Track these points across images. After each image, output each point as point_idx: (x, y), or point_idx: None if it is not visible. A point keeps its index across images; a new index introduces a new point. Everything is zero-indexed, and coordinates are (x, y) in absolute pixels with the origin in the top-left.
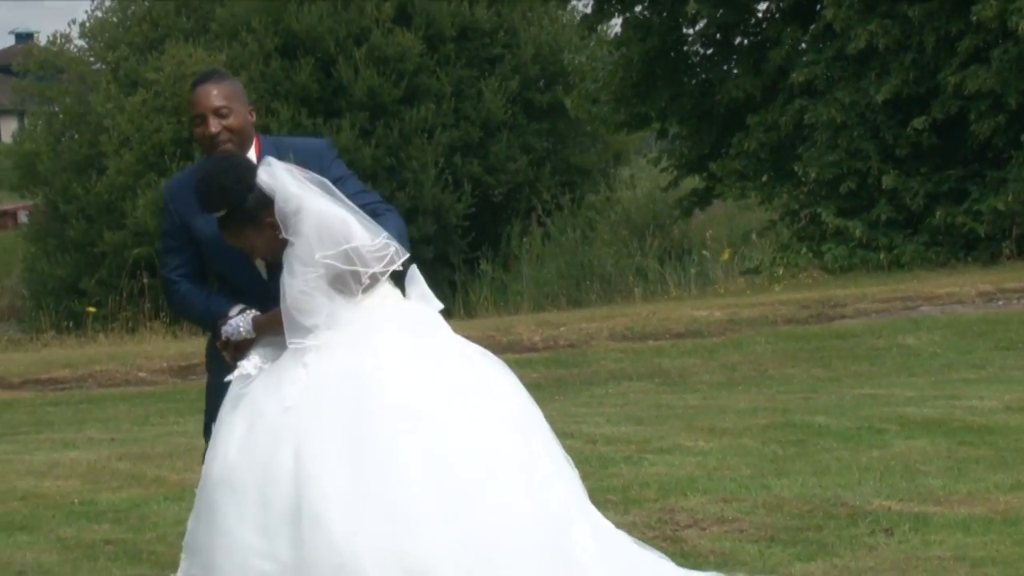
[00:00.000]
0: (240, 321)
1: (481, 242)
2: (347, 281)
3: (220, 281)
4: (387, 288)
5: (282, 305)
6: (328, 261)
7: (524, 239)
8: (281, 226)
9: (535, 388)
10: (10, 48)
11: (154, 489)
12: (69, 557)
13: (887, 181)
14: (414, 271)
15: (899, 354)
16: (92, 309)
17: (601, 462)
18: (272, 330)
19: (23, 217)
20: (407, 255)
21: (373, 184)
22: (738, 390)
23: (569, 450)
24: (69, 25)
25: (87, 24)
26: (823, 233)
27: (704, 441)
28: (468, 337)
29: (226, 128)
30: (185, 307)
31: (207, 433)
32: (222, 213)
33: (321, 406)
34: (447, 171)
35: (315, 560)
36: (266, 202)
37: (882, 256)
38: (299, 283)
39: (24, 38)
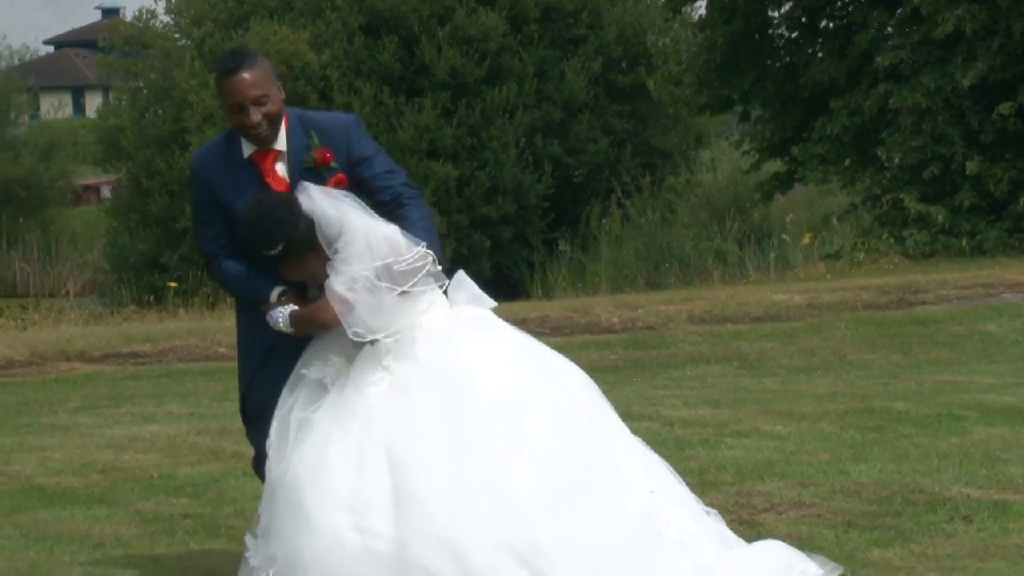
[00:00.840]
0: (279, 315)
1: (560, 223)
2: (393, 278)
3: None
4: (432, 294)
5: (344, 318)
6: (377, 273)
7: (603, 221)
8: (326, 248)
9: (613, 370)
10: (96, 24)
11: (232, 464)
12: (147, 531)
13: (971, 167)
14: (461, 276)
15: (980, 341)
16: (173, 284)
17: (678, 445)
18: (310, 328)
19: (106, 192)
20: (438, 259)
21: (454, 164)
22: (816, 375)
23: (646, 432)
24: (155, 1)
25: (173, 0)
26: (905, 218)
27: (782, 425)
28: (546, 318)
29: (265, 115)
30: (227, 282)
31: (247, 405)
32: (280, 249)
33: (412, 402)
34: (528, 151)
35: (415, 538)
36: (310, 226)
37: (964, 242)
38: (346, 277)
39: (110, 14)
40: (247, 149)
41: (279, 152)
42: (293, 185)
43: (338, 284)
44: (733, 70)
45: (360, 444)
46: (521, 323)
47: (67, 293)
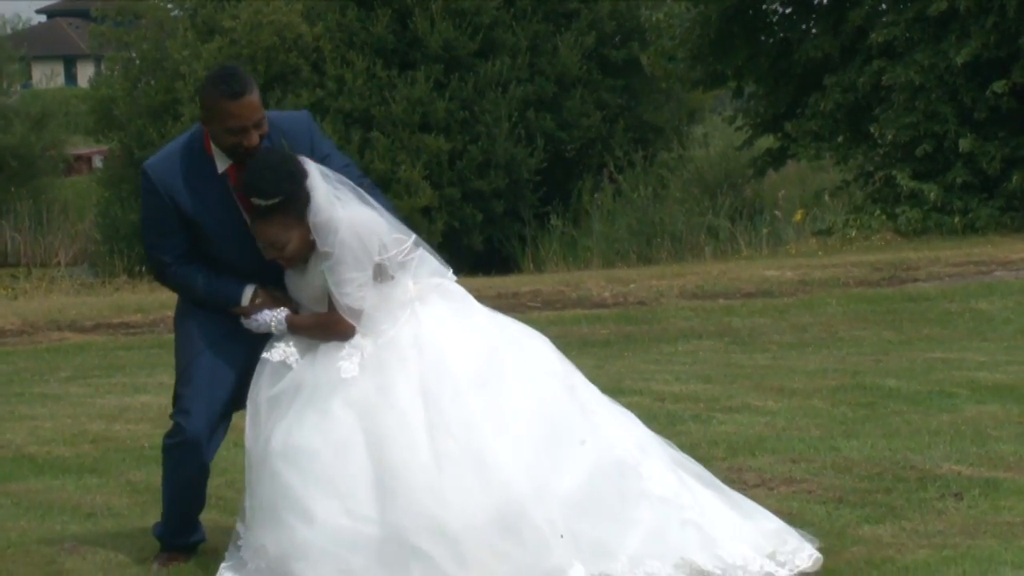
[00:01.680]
0: (270, 318)
1: (552, 197)
2: (384, 275)
3: (209, 260)
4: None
5: (338, 311)
6: (374, 273)
7: (595, 195)
8: (317, 239)
9: (604, 345)
10: None
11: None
12: (138, 500)
13: (964, 145)
14: (422, 252)
15: (972, 319)
16: None
17: (669, 420)
18: (306, 334)
19: (98, 162)
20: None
21: (446, 137)
22: (808, 351)
23: (638, 407)
24: None
25: None
26: (897, 195)
27: (773, 401)
28: (538, 292)
29: (260, 136)
30: (189, 284)
31: (180, 402)
32: (276, 200)
33: (388, 380)
34: (520, 125)
35: (405, 521)
36: (308, 199)
37: (957, 220)
38: (352, 289)
39: None
40: (221, 163)
41: None
42: None
43: (345, 299)
44: (727, 45)
45: (340, 426)
46: (513, 297)
47: (58, 263)
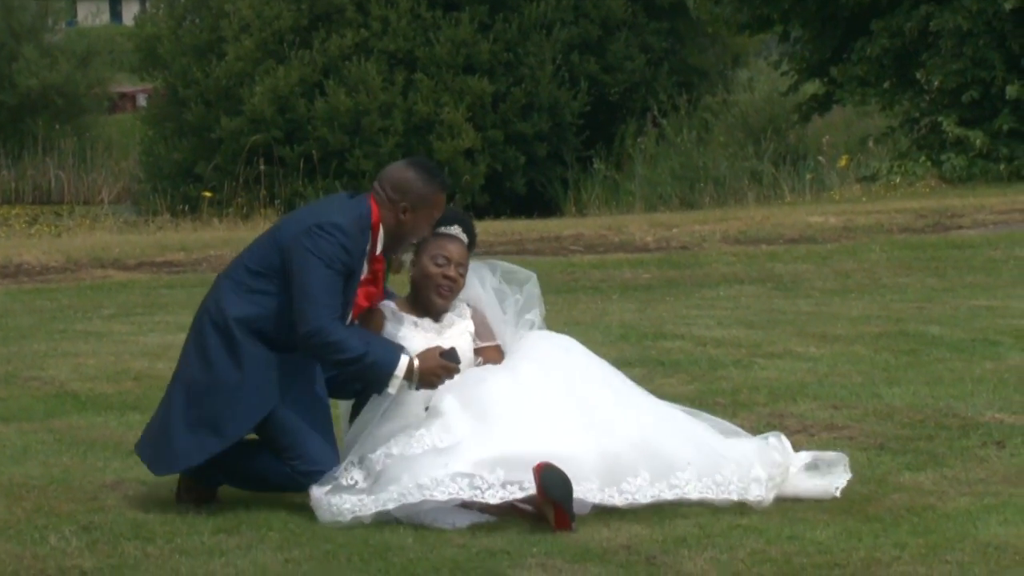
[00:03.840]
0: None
1: (595, 140)
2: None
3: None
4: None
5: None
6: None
7: (638, 139)
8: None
9: (646, 289)
10: None
11: None
12: None
13: (1011, 91)
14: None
15: (1016, 266)
16: (208, 194)
17: (711, 365)
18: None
19: (142, 100)
20: None
21: (490, 79)
22: (851, 297)
23: (679, 352)
24: None
25: None
26: (943, 142)
27: (815, 347)
28: (580, 235)
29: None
30: (341, 349)
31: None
32: (466, 240)
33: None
34: (564, 68)
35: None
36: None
37: (1002, 167)
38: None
39: None
40: (380, 246)
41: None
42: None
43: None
44: None
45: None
46: (555, 240)
47: (102, 201)
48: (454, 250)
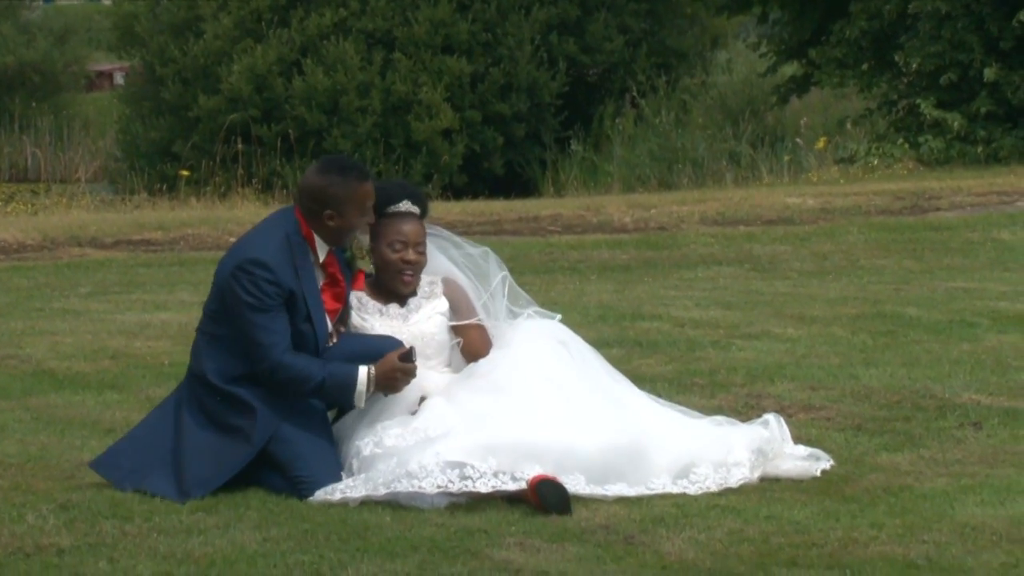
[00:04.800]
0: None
1: (573, 121)
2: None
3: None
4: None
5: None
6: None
7: (617, 120)
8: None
9: (624, 270)
10: None
11: None
12: None
13: (989, 74)
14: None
15: (993, 248)
16: (185, 173)
17: (689, 346)
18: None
19: (119, 78)
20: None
21: (468, 59)
22: (829, 279)
23: (657, 332)
24: None
25: None
26: (920, 124)
27: (793, 328)
28: (558, 216)
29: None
30: (300, 381)
31: None
32: (421, 211)
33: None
34: (542, 49)
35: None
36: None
37: (980, 149)
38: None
39: None
40: (322, 253)
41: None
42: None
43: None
44: None
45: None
46: (533, 221)
47: (79, 179)
48: (409, 230)
